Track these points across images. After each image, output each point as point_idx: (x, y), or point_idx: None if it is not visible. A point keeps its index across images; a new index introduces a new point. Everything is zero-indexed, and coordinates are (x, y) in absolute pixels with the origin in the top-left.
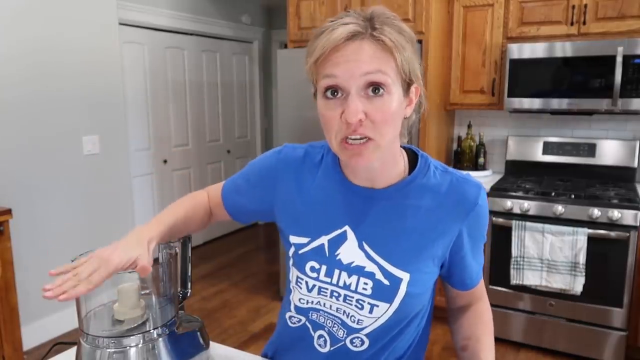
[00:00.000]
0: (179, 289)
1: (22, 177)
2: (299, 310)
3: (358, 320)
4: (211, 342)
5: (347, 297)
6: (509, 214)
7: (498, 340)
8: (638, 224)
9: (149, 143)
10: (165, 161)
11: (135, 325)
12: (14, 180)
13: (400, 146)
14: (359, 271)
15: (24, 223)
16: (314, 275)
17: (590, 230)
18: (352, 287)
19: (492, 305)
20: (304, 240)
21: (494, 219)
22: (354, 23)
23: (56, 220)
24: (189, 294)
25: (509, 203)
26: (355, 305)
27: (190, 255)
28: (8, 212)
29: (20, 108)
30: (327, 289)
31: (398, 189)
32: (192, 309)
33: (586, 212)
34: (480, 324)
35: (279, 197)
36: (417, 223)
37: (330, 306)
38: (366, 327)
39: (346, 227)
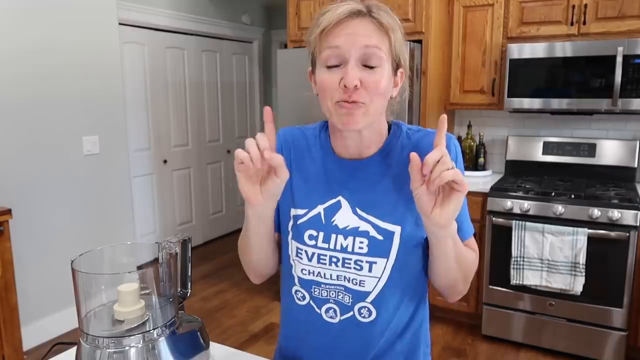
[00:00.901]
0: (179, 289)
1: (22, 177)
2: (302, 282)
3: (360, 281)
4: (211, 342)
5: (346, 261)
6: (509, 214)
7: (498, 340)
8: (638, 224)
9: (149, 143)
10: (165, 161)
11: (135, 325)
12: (14, 180)
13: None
14: (354, 232)
15: (24, 223)
16: (312, 242)
17: (590, 230)
18: (349, 249)
19: (492, 305)
20: (302, 211)
21: (494, 219)
22: (355, 4)
23: (56, 220)
24: (189, 294)
25: (509, 203)
26: (355, 267)
27: (190, 255)
28: (8, 212)
29: (20, 108)
30: (325, 255)
31: (378, 155)
32: (192, 309)
33: (586, 212)
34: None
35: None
36: (397, 179)
37: (331, 275)
38: (370, 292)
39: (340, 197)
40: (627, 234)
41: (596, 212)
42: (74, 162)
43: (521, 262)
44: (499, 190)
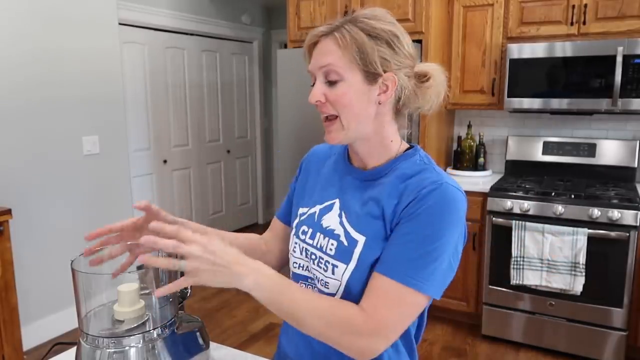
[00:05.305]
0: None
1: (22, 177)
2: (295, 277)
3: (325, 283)
4: (211, 342)
5: (320, 260)
6: (509, 214)
7: (498, 340)
8: (638, 224)
9: (149, 143)
10: (165, 161)
11: (135, 325)
12: (14, 180)
13: (407, 143)
14: (330, 233)
15: (24, 223)
16: (303, 237)
17: (590, 230)
18: (324, 248)
19: (492, 305)
20: (306, 209)
21: (493, 219)
22: (330, 25)
23: (56, 220)
24: (189, 294)
25: (509, 203)
26: (323, 267)
27: None
28: (8, 212)
29: (20, 108)
30: (309, 250)
31: (379, 169)
32: (192, 309)
33: (586, 212)
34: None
35: (299, 180)
36: (377, 194)
37: (311, 270)
38: (334, 294)
39: (337, 200)
40: (627, 234)
41: (596, 212)
42: (74, 162)
43: (521, 262)
44: (499, 190)
